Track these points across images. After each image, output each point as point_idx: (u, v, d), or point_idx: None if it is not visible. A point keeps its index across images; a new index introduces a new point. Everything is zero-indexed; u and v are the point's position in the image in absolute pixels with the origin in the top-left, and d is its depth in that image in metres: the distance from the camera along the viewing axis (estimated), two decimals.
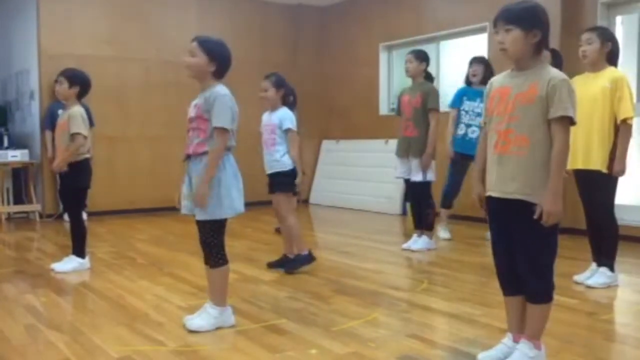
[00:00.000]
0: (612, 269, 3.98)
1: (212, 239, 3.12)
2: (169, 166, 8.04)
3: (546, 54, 2.55)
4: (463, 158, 5.66)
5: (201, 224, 3.12)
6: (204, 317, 3.14)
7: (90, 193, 4.90)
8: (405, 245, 5.33)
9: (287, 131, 4.40)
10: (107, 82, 7.80)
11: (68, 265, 4.59)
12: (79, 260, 4.63)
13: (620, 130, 3.78)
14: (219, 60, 3.11)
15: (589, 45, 3.85)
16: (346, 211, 8.39)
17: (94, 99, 7.46)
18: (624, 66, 6.01)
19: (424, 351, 2.81)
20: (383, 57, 8.57)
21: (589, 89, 3.83)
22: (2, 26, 8.92)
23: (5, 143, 7.95)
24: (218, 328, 3.11)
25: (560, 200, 2.36)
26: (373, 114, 8.62)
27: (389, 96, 8.62)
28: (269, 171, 4.48)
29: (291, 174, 4.44)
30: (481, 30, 7.01)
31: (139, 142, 8.12)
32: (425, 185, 5.26)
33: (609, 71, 3.85)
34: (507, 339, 2.60)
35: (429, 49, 7.91)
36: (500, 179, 2.48)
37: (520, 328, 2.57)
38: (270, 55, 9.01)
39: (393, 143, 8.12)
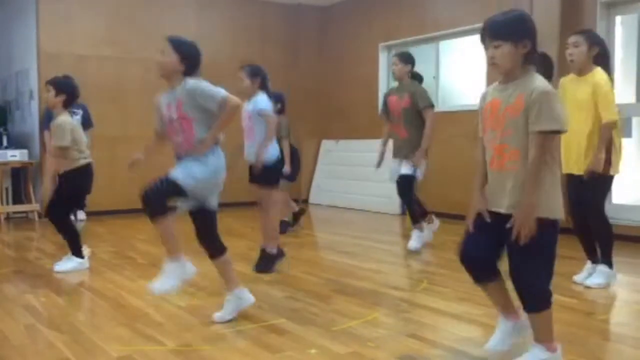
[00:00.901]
0: (610, 265, 3.96)
1: (216, 227, 3.23)
2: (169, 166, 8.03)
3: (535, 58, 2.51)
4: None
5: (210, 215, 3.21)
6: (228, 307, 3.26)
7: (91, 193, 4.92)
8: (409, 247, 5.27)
9: (261, 113, 4.31)
10: (106, 82, 7.81)
11: (68, 264, 4.59)
12: (78, 260, 4.63)
13: (602, 130, 3.75)
14: (189, 60, 3.14)
15: (576, 48, 3.84)
16: (346, 211, 8.39)
17: (93, 99, 7.49)
18: (624, 66, 6.03)
19: (423, 351, 2.81)
20: (383, 56, 8.57)
21: (577, 94, 3.84)
22: (2, 26, 8.92)
23: (5, 143, 7.96)
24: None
25: (534, 214, 2.30)
26: (373, 114, 8.60)
27: None
28: (250, 160, 4.42)
29: (275, 165, 4.41)
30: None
31: (139, 142, 8.04)
32: (411, 180, 5.18)
33: (591, 75, 3.83)
34: (501, 320, 2.61)
35: (428, 49, 7.95)
36: (497, 194, 2.45)
37: (507, 307, 2.58)
38: (270, 55, 9.01)
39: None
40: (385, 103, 5.40)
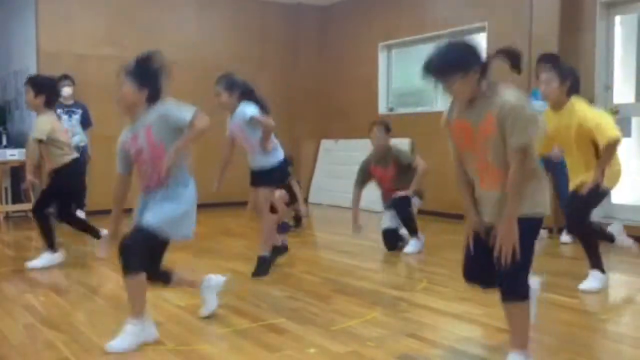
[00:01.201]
0: (602, 270, 3.91)
1: (140, 249, 2.86)
2: None
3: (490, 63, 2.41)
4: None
5: (165, 247, 2.99)
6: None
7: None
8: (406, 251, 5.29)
9: (253, 121, 4.20)
10: (106, 81, 7.72)
11: (41, 261, 4.65)
12: (49, 255, 4.68)
13: (605, 150, 3.72)
14: (149, 85, 2.92)
15: (549, 86, 3.82)
16: (346, 211, 8.36)
17: (93, 98, 7.49)
18: (624, 66, 6.03)
19: (423, 350, 2.81)
20: (382, 56, 8.57)
21: (559, 126, 3.83)
22: (1, 25, 8.91)
23: (4, 142, 7.95)
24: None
25: (515, 228, 2.31)
26: (372, 113, 8.61)
27: (388, 95, 8.63)
28: (253, 168, 4.41)
29: (276, 169, 4.37)
30: (481, 29, 7.01)
31: None
32: (409, 199, 5.24)
33: (570, 109, 3.80)
34: None
35: (428, 48, 7.93)
36: (490, 211, 2.45)
37: None
38: (270, 55, 9.01)
39: (392, 142, 8.12)
40: (365, 173, 5.37)
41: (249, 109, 4.23)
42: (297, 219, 6.49)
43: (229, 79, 4.30)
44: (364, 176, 5.37)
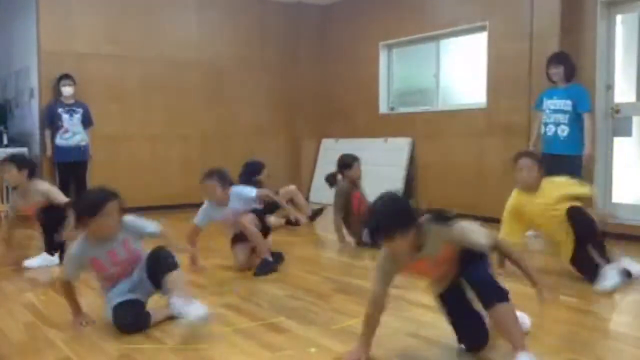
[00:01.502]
0: (609, 261, 3.91)
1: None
2: (169, 165, 8.06)
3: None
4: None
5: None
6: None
7: None
8: None
9: (258, 199, 4.43)
10: (107, 80, 7.81)
11: (37, 261, 4.73)
12: (47, 256, 4.78)
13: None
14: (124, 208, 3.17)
15: (531, 173, 4.00)
16: None
17: (93, 97, 7.50)
18: (624, 65, 6.03)
19: (423, 349, 2.81)
20: (383, 55, 8.57)
21: (542, 205, 3.99)
22: (1, 24, 8.92)
23: (5, 141, 7.96)
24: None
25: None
26: (373, 113, 8.63)
27: (388, 95, 8.63)
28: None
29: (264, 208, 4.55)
30: (481, 29, 7.01)
31: (139, 140, 8.12)
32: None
33: (548, 186, 4.02)
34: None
35: (428, 47, 7.95)
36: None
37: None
38: (270, 54, 9.01)
39: (393, 142, 8.15)
40: (347, 196, 5.50)
41: (244, 191, 4.45)
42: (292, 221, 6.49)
43: (220, 174, 4.34)
44: (346, 199, 5.48)
